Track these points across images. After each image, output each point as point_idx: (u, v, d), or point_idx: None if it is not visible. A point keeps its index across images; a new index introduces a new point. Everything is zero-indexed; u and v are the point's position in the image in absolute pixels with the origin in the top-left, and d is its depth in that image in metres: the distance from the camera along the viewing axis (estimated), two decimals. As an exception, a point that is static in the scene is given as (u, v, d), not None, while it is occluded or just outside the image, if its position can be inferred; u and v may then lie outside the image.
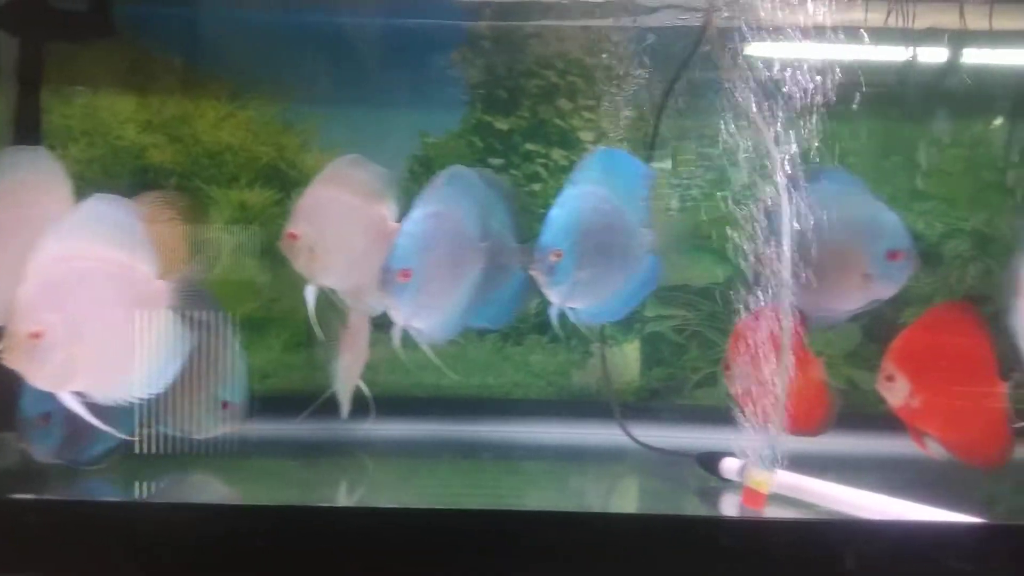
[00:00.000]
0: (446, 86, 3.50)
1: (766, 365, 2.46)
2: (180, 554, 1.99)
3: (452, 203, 2.71)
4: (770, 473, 2.38)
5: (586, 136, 3.49)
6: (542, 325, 3.51)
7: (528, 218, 3.03)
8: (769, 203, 2.41)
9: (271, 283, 3.42)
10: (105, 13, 3.39)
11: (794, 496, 2.50)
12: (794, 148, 2.40)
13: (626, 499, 2.99)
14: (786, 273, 2.40)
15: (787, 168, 2.40)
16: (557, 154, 3.53)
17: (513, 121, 3.53)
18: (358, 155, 2.94)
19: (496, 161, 3.53)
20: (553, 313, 2.78)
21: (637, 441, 3.01)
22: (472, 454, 3.28)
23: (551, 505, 2.79)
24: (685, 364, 3.61)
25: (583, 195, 2.75)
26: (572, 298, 2.78)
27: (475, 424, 3.51)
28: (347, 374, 3.04)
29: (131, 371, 2.45)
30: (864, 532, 2.02)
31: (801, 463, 2.46)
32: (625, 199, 2.82)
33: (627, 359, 3.61)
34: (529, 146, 3.50)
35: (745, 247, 2.43)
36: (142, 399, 2.48)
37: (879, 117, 3.46)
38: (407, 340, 2.73)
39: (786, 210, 2.40)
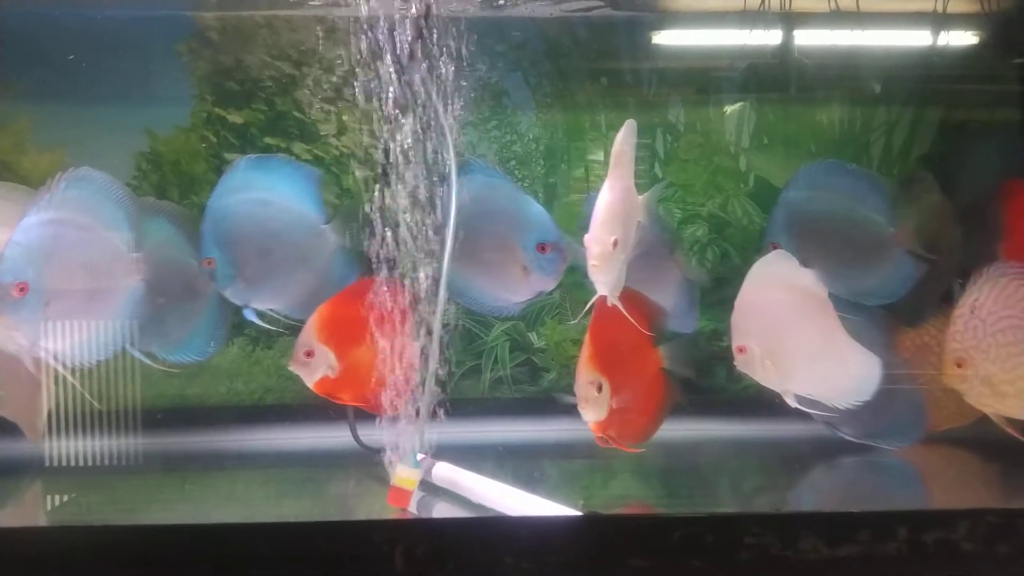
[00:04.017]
0: (172, 80, 3.32)
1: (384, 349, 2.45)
2: None
3: (78, 209, 2.60)
4: (415, 470, 2.34)
5: (327, 128, 3.38)
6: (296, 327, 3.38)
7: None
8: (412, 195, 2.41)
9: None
10: None
11: (450, 490, 2.50)
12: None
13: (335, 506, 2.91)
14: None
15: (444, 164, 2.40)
16: (299, 148, 3.39)
17: (248, 114, 3.38)
18: None
19: (233, 156, 3.38)
20: (246, 314, 2.95)
21: (358, 441, 2.95)
22: (223, 465, 3.15)
23: (307, 515, 2.69)
24: (449, 358, 3.55)
25: (237, 203, 2.90)
26: (252, 299, 2.95)
27: (225, 434, 3.37)
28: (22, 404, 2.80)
29: None
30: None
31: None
32: (291, 200, 2.97)
33: (390, 356, 3.53)
34: (268, 140, 3.36)
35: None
36: None
37: (618, 107, 3.49)
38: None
39: (427, 202, 2.40)
